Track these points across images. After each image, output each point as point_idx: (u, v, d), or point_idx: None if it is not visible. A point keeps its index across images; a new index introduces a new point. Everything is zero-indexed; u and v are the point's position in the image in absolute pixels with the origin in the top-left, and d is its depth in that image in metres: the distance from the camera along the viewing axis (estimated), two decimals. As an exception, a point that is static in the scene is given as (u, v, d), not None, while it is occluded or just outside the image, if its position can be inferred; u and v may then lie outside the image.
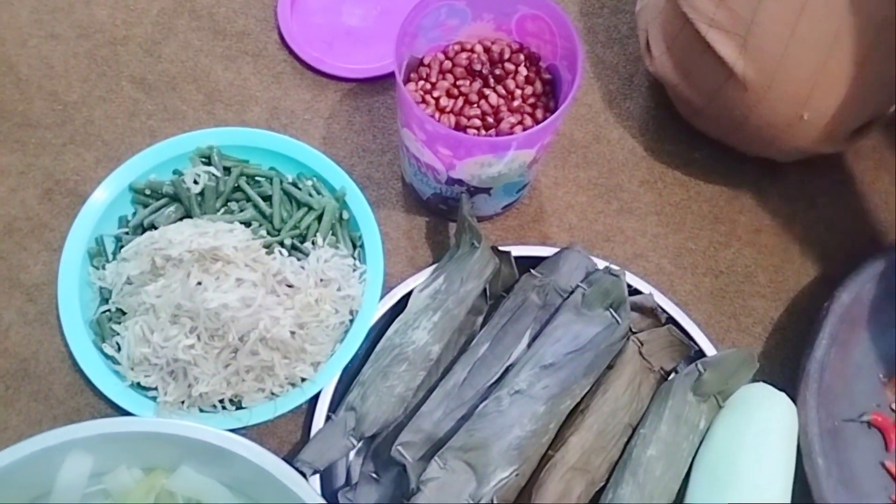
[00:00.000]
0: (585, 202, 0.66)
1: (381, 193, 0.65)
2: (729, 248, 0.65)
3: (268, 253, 0.55)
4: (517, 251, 0.60)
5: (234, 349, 0.52)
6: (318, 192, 0.60)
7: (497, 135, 0.57)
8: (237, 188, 0.60)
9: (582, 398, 0.54)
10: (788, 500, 0.51)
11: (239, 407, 0.54)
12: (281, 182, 0.60)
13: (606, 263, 0.57)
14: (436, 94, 0.58)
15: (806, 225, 0.66)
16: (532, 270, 0.58)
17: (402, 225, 0.64)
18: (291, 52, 0.69)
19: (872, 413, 0.58)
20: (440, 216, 0.64)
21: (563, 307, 0.55)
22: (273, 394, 0.54)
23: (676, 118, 0.68)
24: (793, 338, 0.62)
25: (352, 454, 0.55)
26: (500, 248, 0.58)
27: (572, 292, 0.56)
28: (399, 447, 0.51)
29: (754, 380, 0.55)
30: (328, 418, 0.54)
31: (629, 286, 0.58)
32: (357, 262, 0.58)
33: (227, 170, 0.60)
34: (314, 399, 0.55)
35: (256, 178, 0.60)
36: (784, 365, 0.61)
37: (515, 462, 0.49)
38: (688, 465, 0.53)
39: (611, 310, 0.54)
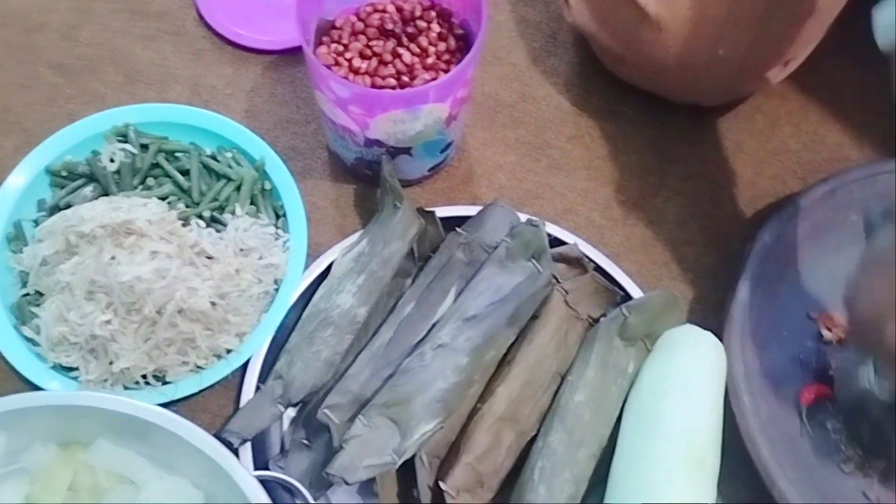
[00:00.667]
0: (514, 161, 0.66)
1: (307, 163, 0.64)
2: (658, 197, 0.65)
3: (184, 225, 0.55)
4: (445, 212, 0.59)
5: (152, 322, 0.51)
6: (238, 164, 0.59)
7: (412, 93, 0.56)
8: (156, 165, 0.59)
9: (508, 349, 0.53)
10: (719, 438, 0.51)
11: (165, 383, 0.54)
12: (199, 155, 0.59)
13: (531, 217, 0.57)
14: (348, 55, 0.57)
15: (734, 170, 0.66)
16: (458, 229, 0.58)
17: (330, 193, 0.63)
18: (211, 28, 0.68)
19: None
20: (367, 182, 0.63)
21: (488, 261, 0.55)
22: (198, 367, 0.53)
23: (602, 72, 0.67)
24: (725, 282, 0.61)
25: (286, 423, 0.55)
26: (425, 209, 0.58)
27: (497, 247, 0.56)
28: (326, 410, 0.51)
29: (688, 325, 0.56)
30: (258, 389, 0.54)
31: (558, 240, 0.58)
32: (280, 232, 0.58)
33: (144, 147, 0.59)
34: (245, 371, 0.54)
35: (176, 153, 0.60)
36: (718, 309, 0.61)
37: (439, 414, 0.49)
38: (618, 410, 0.53)
39: (533, 260, 0.54)
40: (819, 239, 0.61)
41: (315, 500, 0.51)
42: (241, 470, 0.43)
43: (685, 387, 0.52)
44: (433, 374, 0.50)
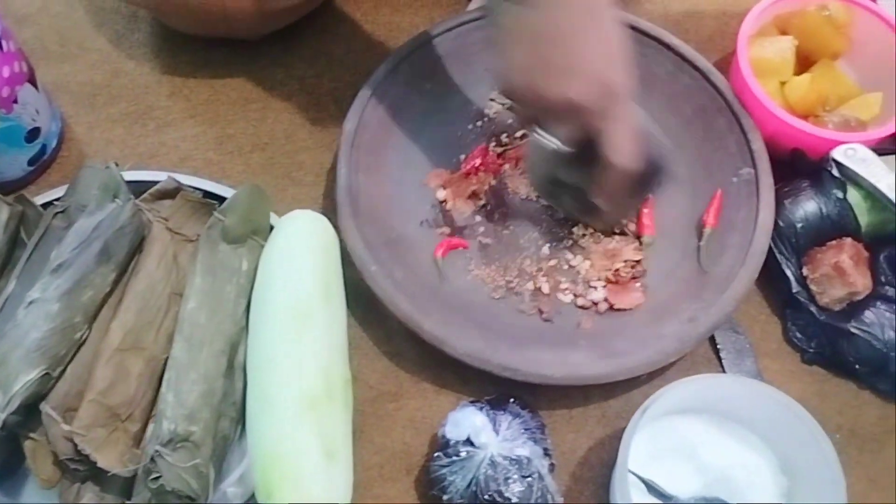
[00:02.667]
0: (123, 133, 0.68)
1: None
2: (266, 121, 0.68)
3: None
4: (52, 195, 0.60)
5: None
6: None
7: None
8: None
9: (119, 288, 0.55)
10: (330, 294, 0.55)
11: None
12: None
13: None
14: None
15: (333, 76, 0.71)
16: (53, 202, 0.59)
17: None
18: None
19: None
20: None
21: (79, 218, 0.56)
22: None
23: (185, 34, 0.71)
24: (342, 172, 0.66)
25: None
26: (16, 195, 0.59)
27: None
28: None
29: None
30: None
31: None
32: None
33: None
34: None
35: None
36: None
37: (40, 363, 0.49)
38: (242, 305, 0.55)
39: (116, 199, 0.56)
40: (402, 114, 0.65)
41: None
42: None
43: (285, 256, 0.55)
44: (25, 328, 0.50)
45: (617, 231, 0.63)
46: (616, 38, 0.51)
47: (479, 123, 0.68)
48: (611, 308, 0.61)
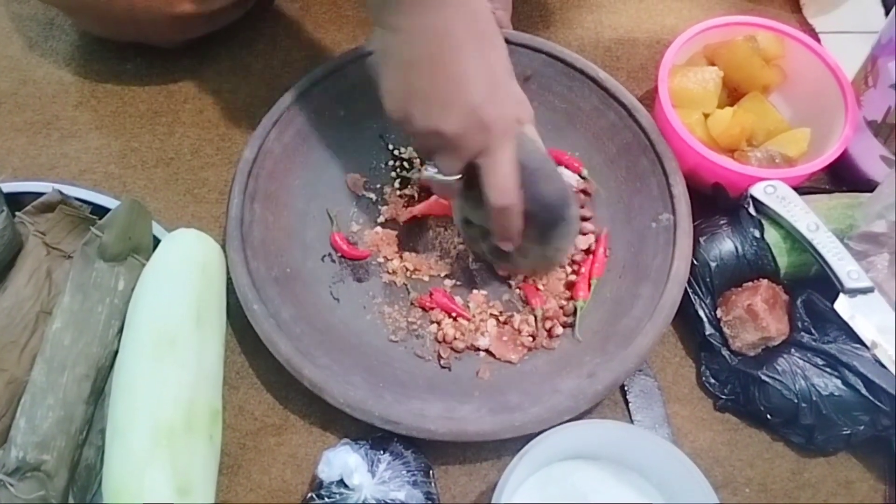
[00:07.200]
0: (26, 142, 0.65)
1: None
2: (173, 135, 0.66)
3: None
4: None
5: None
6: None
7: None
8: None
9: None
10: (204, 318, 0.52)
11: None
12: None
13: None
14: None
15: (249, 91, 0.68)
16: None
17: None
18: None
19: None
20: None
21: (-48, 229, 0.54)
22: None
23: (101, 42, 0.69)
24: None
25: None
26: None
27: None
28: None
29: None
30: None
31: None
32: None
33: None
34: None
35: None
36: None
37: None
38: (114, 327, 0.52)
39: (-14, 212, 0.53)
40: (311, 142, 0.62)
41: None
42: None
43: (159, 277, 0.52)
44: None
45: (540, 279, 0.60)
46: (497, 67, 0.48)
47: (396, 153, 0.65)
48: (491, 355, 0.58)
